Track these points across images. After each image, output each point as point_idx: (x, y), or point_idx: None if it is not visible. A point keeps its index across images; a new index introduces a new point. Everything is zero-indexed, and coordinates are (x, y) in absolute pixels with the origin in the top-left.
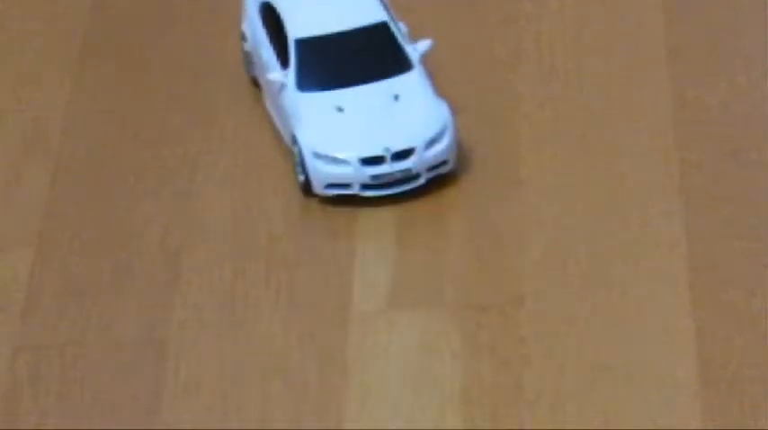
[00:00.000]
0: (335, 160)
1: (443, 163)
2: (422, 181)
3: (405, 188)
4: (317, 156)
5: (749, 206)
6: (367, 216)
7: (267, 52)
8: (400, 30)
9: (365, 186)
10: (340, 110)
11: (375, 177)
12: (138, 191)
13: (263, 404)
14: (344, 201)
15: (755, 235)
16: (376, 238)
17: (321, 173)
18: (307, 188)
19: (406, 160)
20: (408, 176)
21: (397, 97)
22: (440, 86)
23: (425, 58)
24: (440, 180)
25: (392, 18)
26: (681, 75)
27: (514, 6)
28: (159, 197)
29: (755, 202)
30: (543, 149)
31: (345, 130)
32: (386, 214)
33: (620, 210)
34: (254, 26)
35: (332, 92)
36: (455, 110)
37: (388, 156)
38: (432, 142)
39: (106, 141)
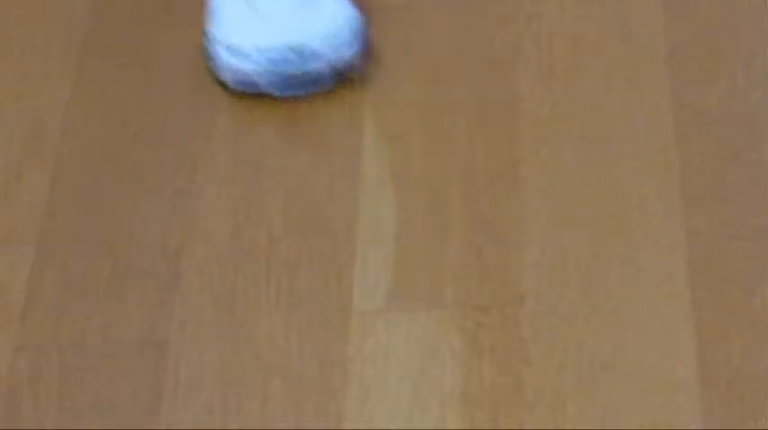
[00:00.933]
0: (243, 56)
1: (351, 67)
2: (327, 84)
3: (312, 89)
4: (228, 49)
5: (749, 206)
6: (367, 216)
7: None
8: None
9: (272, 86)
10: (252, 7)
11: (279, 75)
12: (138, 191)
13: (263, 404)
14: (346, 196)
15: (756, 235)
16: (376, 238)
17: (231, 68)
18: (222, 83)
19: (310, 60)
20: (314, 77)
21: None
22: (439, 86)
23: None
24: (439, 176)
25: None
26: (681, 75)
27: (514, 6)
28: (159, 197)
29: (756, 202)
30: (543, 149)
31: (256, 27)
32: (386, 214)
33: (620, 210)
34: None
35: None
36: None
37: (292, 57)
38: (338, 46)
39: (106, 141)
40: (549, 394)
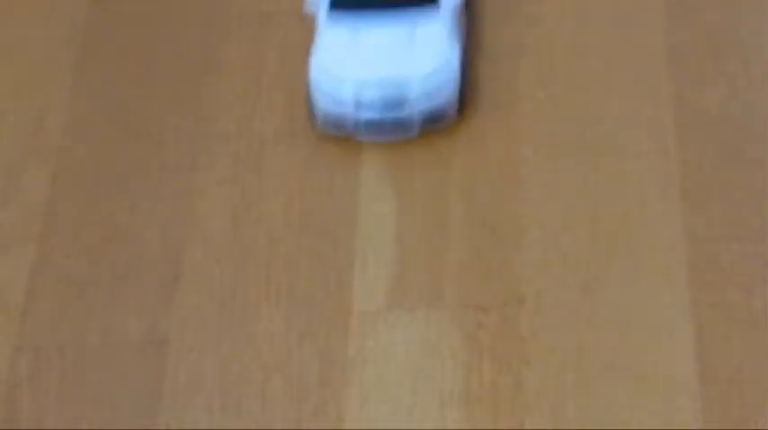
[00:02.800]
0: (333, 99)
1: (441, 116)
2: (414, 132)
3: (398, 135)
4: (320, 88)
5: (749, 206)
6: (367, 217)
7: None
8: None
9: (359, 128)
10: (354, 44)
11: (367, 123)
12: (138, 191)
13: (263, 404)
14: (346, 196)
15: (755, 235)
16: (376, 239)
17: (320, 111)
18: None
19: (399, 108)
20: (402, 124)
21: (412, 38)
22: None
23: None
24: (439, 176)
25: None
26: (681, 75)
27: (514, 6)
28: (159, 197)
29: (755, 203)
30: (543, 149)
31: (349, 67)
32: (386, 215)
33: (620, 209)
34: None
35: (353, 23)
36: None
37: (381, 103)
38: (429, 94)
39: (106, 141)
40: (549, 394)
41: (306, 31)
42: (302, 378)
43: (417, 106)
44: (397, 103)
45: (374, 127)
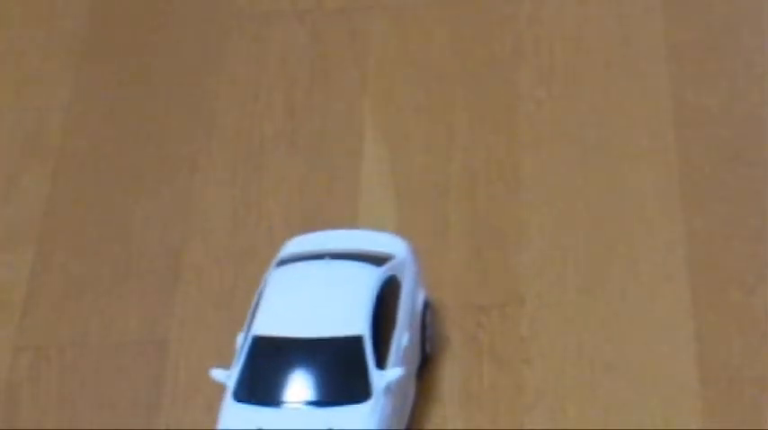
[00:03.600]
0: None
1: None
2: None
3: None
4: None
5: (749, 206)
6: (367, 217)
7: None
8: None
9: None
10: None
11: None
12: (138, 191)
13: None
14: (346, 196)
15: (755, 235)
16: None
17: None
18: None
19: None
20: None
21: None
22: (439, 86)
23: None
24: (439, 176)
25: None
26: (681, 75)
27: (514, 7)
28: (159, 197)
29: (755, 203)
30: (543, 149)
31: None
32: (386, 215)
33: (620, 210)
34: None
35: (261, 409)
36: (455, 108)
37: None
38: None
39: (106, 141)
40: (549, 394)
41: (306, 32)
42: None
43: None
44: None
45: None
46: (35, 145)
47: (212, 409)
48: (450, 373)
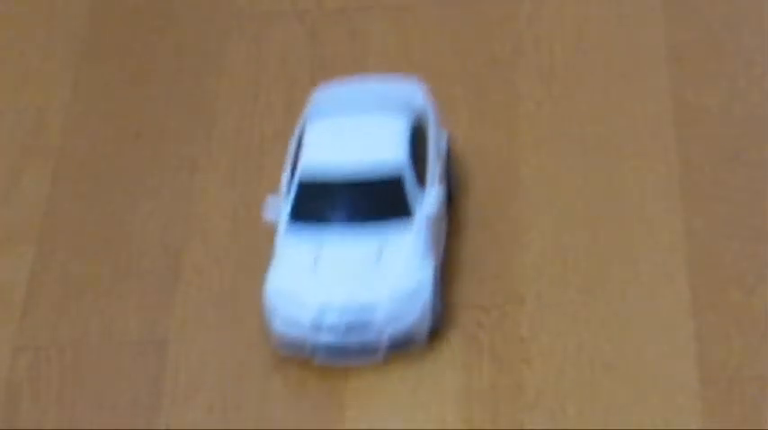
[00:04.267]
0: (291, 321)
1: (409, 340)
2: (379, 357)
3: (362, 361)
4: (275, 310)
5: (749, 206)
6: None
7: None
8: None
9: (319, 351)
10: (316, 261)
11: (328, 347)
12: (138, 191)
13: (263, 404)
14: None
15: (755, 235)
16: None
17: (275, 332)
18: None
19: (363, 332)
20: (366, 349)
21: (380, 255)
22: (439, 86)
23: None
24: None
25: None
26: (681, 75)
27: (514, 6)
28: (159, 197)
29: (755, 203)
30: (543, 149)
31: (310, 289)
32: None
33: (620, 210)
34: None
35: (315, 237)
36: (455, 108)
37: (343, 328)
38: (397, 317)
39: (106, 141)
40: (549, 394)
41: (306, 31)
42: (302, 378)
43: (384, 330)
44: (361, 326)
45: (335, 351)
46: (35, 145)
47: (212, 409)
48: (450, 373)
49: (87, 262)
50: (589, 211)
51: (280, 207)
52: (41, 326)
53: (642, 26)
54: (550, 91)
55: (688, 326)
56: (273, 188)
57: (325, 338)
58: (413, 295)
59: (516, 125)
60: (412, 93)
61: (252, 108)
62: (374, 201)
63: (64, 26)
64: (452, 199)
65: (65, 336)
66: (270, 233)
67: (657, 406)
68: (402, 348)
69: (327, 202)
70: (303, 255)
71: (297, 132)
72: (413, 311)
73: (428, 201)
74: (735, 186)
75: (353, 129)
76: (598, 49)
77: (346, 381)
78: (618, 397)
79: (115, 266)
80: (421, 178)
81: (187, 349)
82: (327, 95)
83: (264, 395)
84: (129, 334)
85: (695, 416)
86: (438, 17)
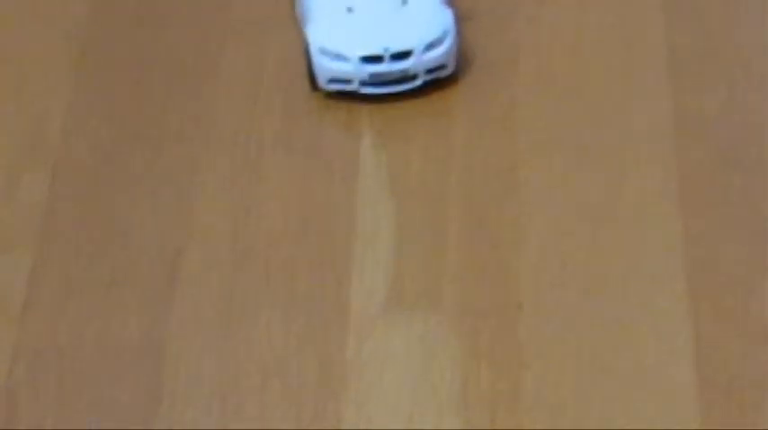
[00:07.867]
0: (338, 56)
1: (442, 66)
2: (419, 82)
3: (403, 87)
4: (323, 51)
5: (748, 210)
6: (365, 219)
7: None
8: None
9: (365, 83)
10: (350, 10)
11: (374, 75)
12: (138, 191)
13: (262, 405)
14: (345, 198)
15: (754, 239)
16: (374, 242)
17: (325, 68)
18: (312, 82)
19: (404, 60)
20: (406, 76)
21: (405, 1)
22: (437, 88)
23: None
24: (438, 179)
25: None
26: (680, 79)
27: (514, 8)
28: (159, 197)
29: (754, 207)
30: (542, 152)
31: (351, 30)
32: (384, 218)
33: (619, 213)
34: None
35: None
36: (454, 110)
37: (387, 56)
38: (430, 46)
39: (106, 141)
40: (548, 398)
41: (304, 36)
42: (301, 379)
43: (421, 58)
44: (402, 55)
45: (379, 77)
46: (35, 145)
47: (212, 409)
48: (448, 378)
49: (87, 262)
50: (588, 215)
51: None
52: (41, 326)
53: (642, 29)
54: (549, 94)
55: (687, 328)
56: (273, 190)
57: (371, 69)
58: (442, 28)
59: (515, 128)
60: None
61: (251, 111)
62: None
63: (64, 26)
64: None
65: (64, 337)
66: (270, 233)
67: (656, 410)
68: (436, 74)
69: None
70: (336, 8)
71: None
72: (444, 41)
73: None
74: (734, 189)
75: None
76: (597, 53)
77: (345, 383)
78: (616, 401)
79: (114, 267)
80: None
81: (187, 350)
82: None
83: (263, 396)
84: (128, 335)
85: (694, 419)
86: None
